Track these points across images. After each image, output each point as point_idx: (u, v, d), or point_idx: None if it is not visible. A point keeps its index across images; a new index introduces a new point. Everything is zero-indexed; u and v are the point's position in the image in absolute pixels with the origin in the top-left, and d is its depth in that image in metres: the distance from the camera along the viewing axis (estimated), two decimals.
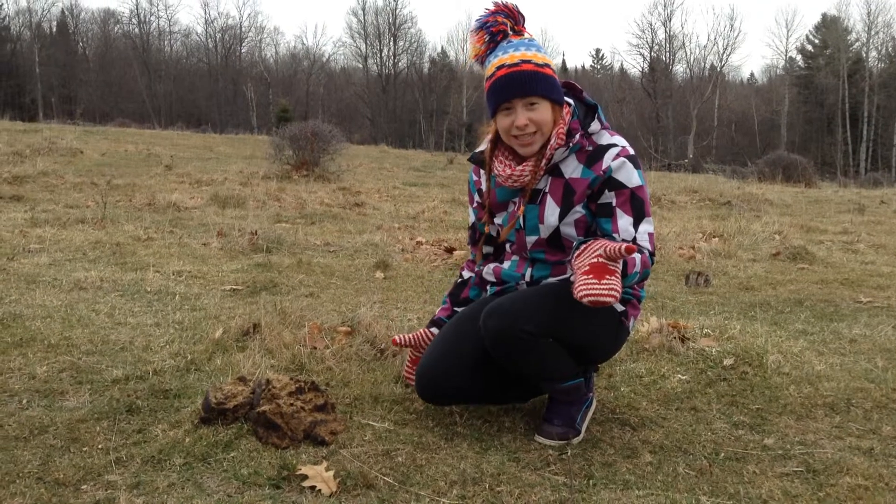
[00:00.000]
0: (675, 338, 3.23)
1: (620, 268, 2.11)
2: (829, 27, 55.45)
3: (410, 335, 2.62)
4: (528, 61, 2.29)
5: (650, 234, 2.32)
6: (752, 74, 72.60)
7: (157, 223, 7.12)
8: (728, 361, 3.05)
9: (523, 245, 2.46)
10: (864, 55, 53.80)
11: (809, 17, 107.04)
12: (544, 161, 2.35)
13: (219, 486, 2.01)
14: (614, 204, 2.31)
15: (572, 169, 2.36)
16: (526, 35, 2.37)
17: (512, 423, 2.51)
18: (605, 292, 2.04)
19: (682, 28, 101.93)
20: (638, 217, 2.31)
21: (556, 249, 2.41)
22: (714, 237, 7.21)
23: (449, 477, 2.10)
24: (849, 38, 54.59)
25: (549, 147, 2.34)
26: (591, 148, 2.35)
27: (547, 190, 2.38)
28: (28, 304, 3.81)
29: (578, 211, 2.36)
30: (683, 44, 61.08)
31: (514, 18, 2.36)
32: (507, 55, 2.30)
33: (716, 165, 31.13)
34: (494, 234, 2.56)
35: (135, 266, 5.01)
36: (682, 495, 2.02)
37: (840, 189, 18.19)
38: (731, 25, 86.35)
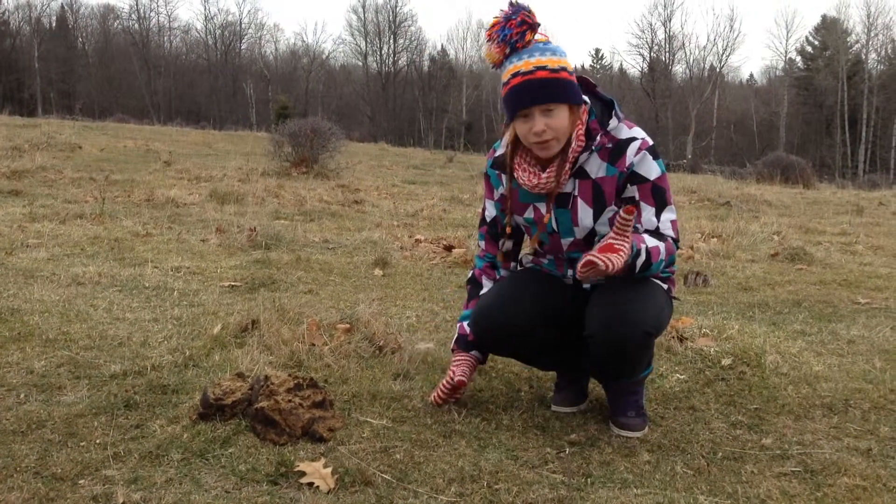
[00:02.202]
0: (673, 337, 3.23)
1: (628, 246, 2.15)
2: (829, 29, 55.45)
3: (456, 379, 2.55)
4: (543, 67, 2.27)
5: (672, 222, 2.38)
6: (751, 75, 72.54)
7: (155, 219, 7.11)
8: (726, 361, 3.05)
9: (558, 247, 2.48)
10: (864, 57, 53.82)
11: (809, 18, 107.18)
12: (568, 165, 2.36)
13: (216, 482, 2.01)
14: (637, 197, 2.36)
15: (597, 168, 2.37)
16: (541, 38, 2.34)
17: (510, 420, 2.51)
18: (599, 257, 2.10)
19: (682, 28, 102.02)
20: (660, 206, 2.36)
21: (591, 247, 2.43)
22: (713, 237, 7.21)
23: (447, 474, 2.10)
24: (848, 39, 54.60)
25: (570, 151, 2.34)
26: (611, 145, 2.36)
27: (576, 193, 2.39)
28: (26, 298, 3.80)
29: (612, 209, 2.38)
30: (683, 44, 61.21)
31: (529, 23, 2.32)
32: (521, 62, 2.29)
33: (714, 166, 31.18)
34: (515, 226, 2.59)
35: (133, 262, 5.00)
36: (680, 494, 2.03)
37: (838, 190, 18.19)
38: (731, 26, 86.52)
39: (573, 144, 2.34)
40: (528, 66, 2.28)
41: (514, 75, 2.30)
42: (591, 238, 2.42)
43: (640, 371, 2.48)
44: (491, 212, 2.63)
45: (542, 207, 2.45)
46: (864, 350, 3.46)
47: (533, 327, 2.45)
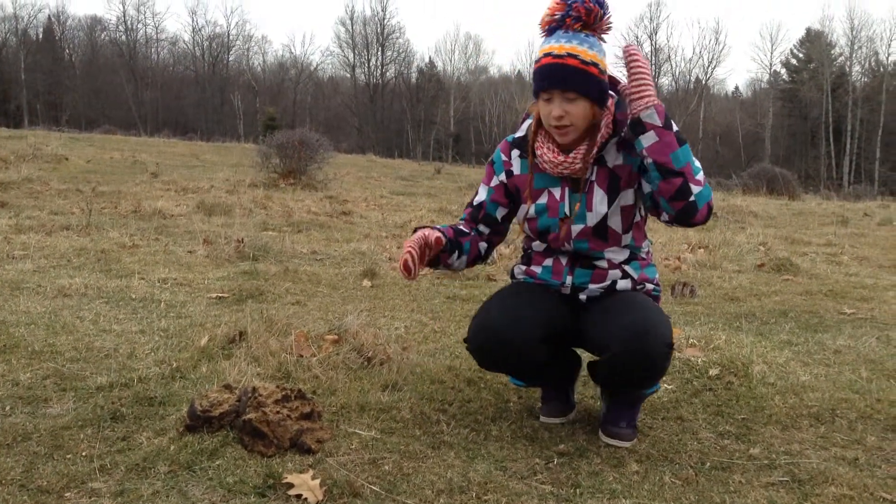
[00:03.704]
0: None
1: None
2: (814, 41, 56.04)
3: (415, 241, 2.34)
4: (575, 56, 2.27)
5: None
6: (736, 88, 73.20)
7: (142, 230, 7.09)
8: (714, 371, 3.06)
9: (567, 234, 2.45)
10: (848, 69, 54.41)
11: (794, 31, 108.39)
12: (595, 150, 2.37)
13: (204, 495, 2.00)
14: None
15: (613, 157, 2.40)
16: (588, 32, 2.32)
17: (499, 431, 2.51)
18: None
19: (668, 41, 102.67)
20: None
21: (600, 238, 2.43)
22: (699, 248, 7.26)
23: (436, 485, 2.09)
24: (832, 52, 55.19)
25: (599, 136, 2.36)
26: (629, 137, 2.38)
27: (594, 178, 2.41)
28: (12, 310, 3.78)
29: (626, 196, 2.40)
30: (669, 57, 61.53)
31: (592, 16, 2.30)
32: (558, 44, 2.29)
33: None
34: (508, 220, 2.58)
35: (120, 273, 4.98)
36: None
37: (824, 202, 18.35)
38: (717, 39, 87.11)
39: (602, 130, 2.36)
40: (562, 50, 2.28)
41: (546, 55, 2.30)
42: (600, 227, 2.41)
43: (658, 380, 2.47)
44: (481, 196, 2.60)
45: (557, 192, 2.44)
46: (850, 360, 3.48)
47: (534, 346, 2.39)
